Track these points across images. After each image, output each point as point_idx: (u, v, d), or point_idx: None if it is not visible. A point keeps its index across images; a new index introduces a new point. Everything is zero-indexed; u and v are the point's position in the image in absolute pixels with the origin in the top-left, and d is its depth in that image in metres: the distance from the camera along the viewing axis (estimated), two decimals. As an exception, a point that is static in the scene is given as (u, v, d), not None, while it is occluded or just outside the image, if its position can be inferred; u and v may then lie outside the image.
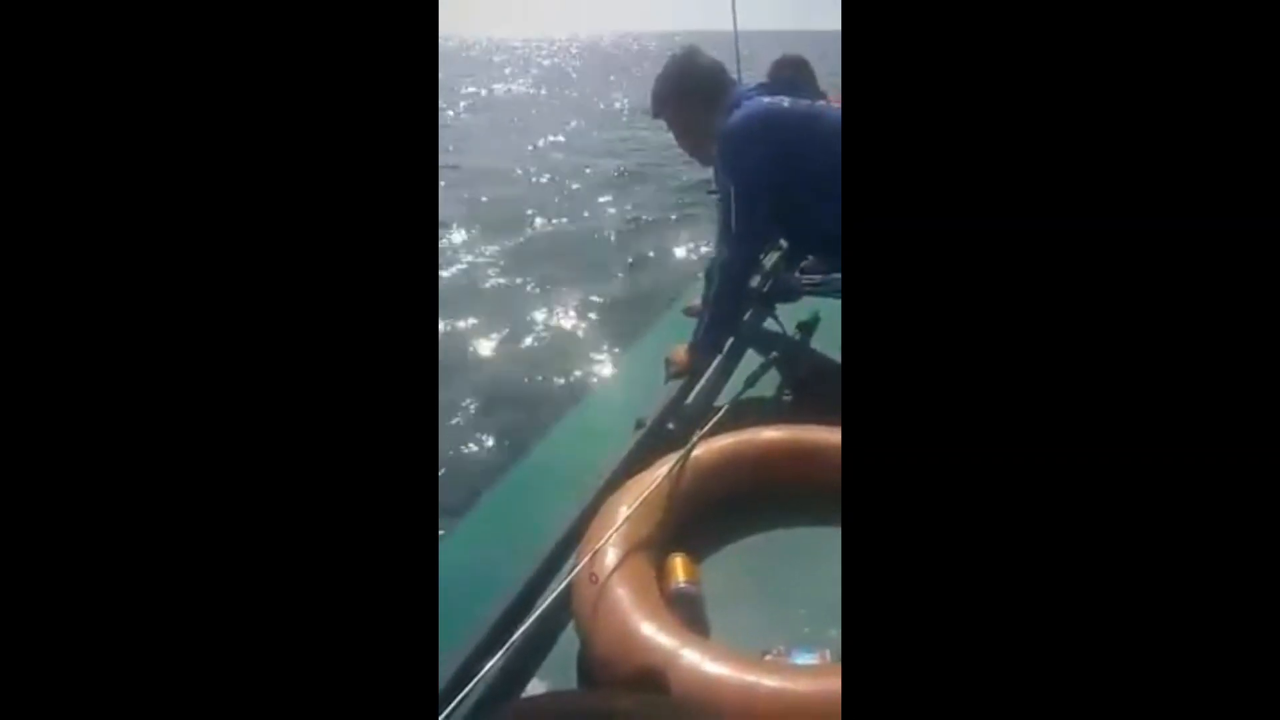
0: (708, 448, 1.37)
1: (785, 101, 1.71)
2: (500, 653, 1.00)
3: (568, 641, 1.12)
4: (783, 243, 2.32)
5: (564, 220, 7.86)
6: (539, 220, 7.78)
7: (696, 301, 2.07)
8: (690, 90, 1.78)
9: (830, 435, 1.36)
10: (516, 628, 1.03)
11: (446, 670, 1.00)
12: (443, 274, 5.74)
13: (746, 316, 2.12)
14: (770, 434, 1.40)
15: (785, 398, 1.69)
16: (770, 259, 2.34)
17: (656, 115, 1.84)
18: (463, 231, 7.15)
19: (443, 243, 6.66)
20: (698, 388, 1.75)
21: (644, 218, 7.69)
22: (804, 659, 0.96)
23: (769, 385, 1.74)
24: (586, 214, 8.11)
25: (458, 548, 1.38)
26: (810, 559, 1.17)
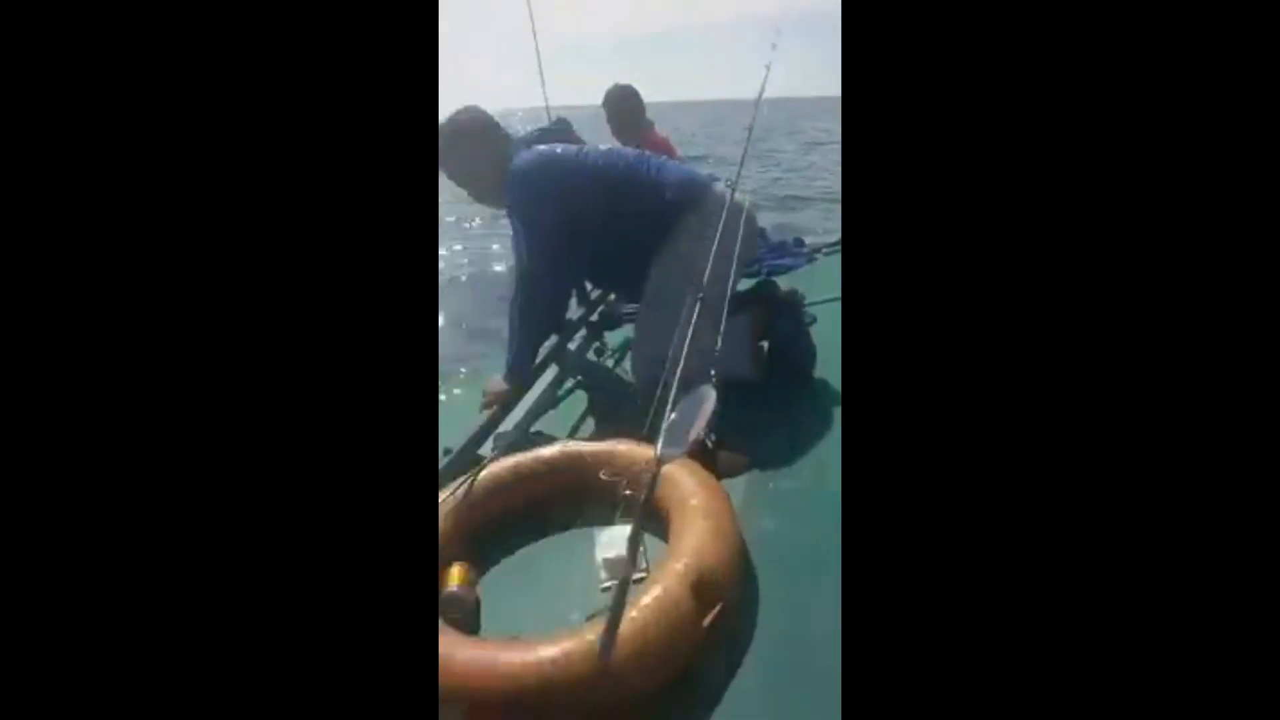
0: (501, 466, 1.51)
1: (558, 148, 1.92)
2: None
3: None
4: None
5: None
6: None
7: None
8: (467, 143, 1.96)
9: (612, 447, 1.51)
10: None
11: None
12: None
13: (574, 344, 2.29)
14: (555, 450, 1.55)
15: (588, 418, 1.86)
16: (596, 292, 2.52)
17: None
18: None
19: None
20: (514, 414, 1.90)
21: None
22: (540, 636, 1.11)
23: (578, 407, 1.91)
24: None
25: None
26: (570, 558, 1.32)
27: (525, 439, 1.68)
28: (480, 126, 1.98)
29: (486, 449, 1.73)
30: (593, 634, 1.00)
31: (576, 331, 2.31)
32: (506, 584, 1.33)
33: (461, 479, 1.45)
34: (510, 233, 1.86)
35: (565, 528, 1.42)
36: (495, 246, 8.72)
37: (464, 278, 7.61)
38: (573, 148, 1.92)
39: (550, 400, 1.95)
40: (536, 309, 1.90)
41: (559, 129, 2.04)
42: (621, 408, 1.82)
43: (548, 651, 0.98)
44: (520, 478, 1.50)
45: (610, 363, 2.14)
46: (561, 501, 1.46)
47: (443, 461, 1.66)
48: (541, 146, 1.92)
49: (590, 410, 1.88)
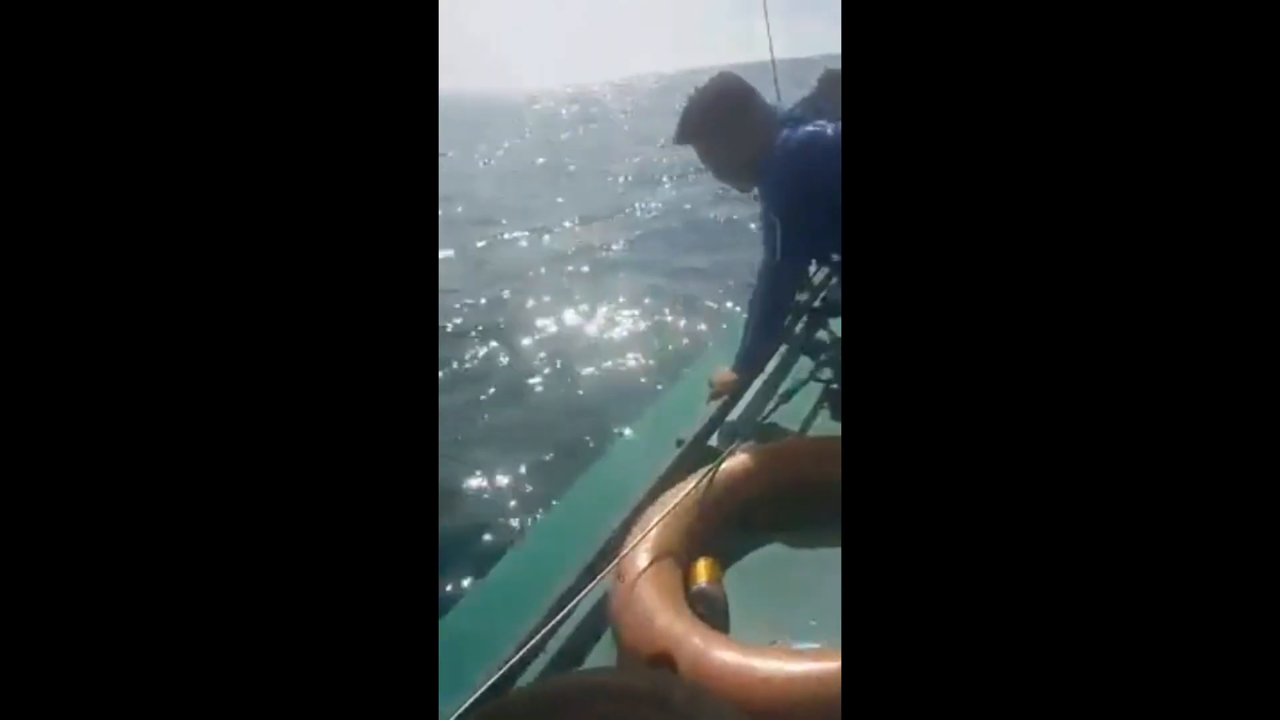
0: (739, 460, 1.47)
1: (828, 129, 1.70)
2: (538, 646, 1.13)
3: (606, 639, 1.25)
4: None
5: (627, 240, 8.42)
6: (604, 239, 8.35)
7: None
8: (722, 119, 1.75)
9: None
10: (559, 628, 1.16)
11: (495, 665, 1.14)
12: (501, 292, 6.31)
13: (798, 330, 2.21)
14: (796, 444, 1.50)
15: (822, 409, 1.78)
16: (819, 275, 2.42)
17: (680, 142, 1.79)
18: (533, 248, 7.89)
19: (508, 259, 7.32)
20: (741, 404, 1.85)
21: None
22: (801, 647, 1.05)
23: (810, 398, 1.83)
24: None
25: (518, 562, 1.54)
26: (823, 560, 1.26)
27: (757, 430, 1.63)
28: (730, 102, 1.74)
29: (712, 441, 1.70)
30: None
31: (800, 319, 2.23)
32: (752, 583, 1.29)
33: (702, 471, 1.43)
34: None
35: (810, 526, 1.36)
36: (688, 198, 9.26)
37: (659, 226, 8.37)
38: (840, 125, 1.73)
39: (775, 390, 1.89)
40: (780, 303, 1.83)
41: (814, 99, 1.92)
42: None
43: (825, 666, 0.92)
44: (760, 472, 1.46)
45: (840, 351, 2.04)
46: (805, 499, 1.40)
47: (675, 452, 1.64)
48: (810, 127, 1.70)
49: (823, 401, 1.80)
